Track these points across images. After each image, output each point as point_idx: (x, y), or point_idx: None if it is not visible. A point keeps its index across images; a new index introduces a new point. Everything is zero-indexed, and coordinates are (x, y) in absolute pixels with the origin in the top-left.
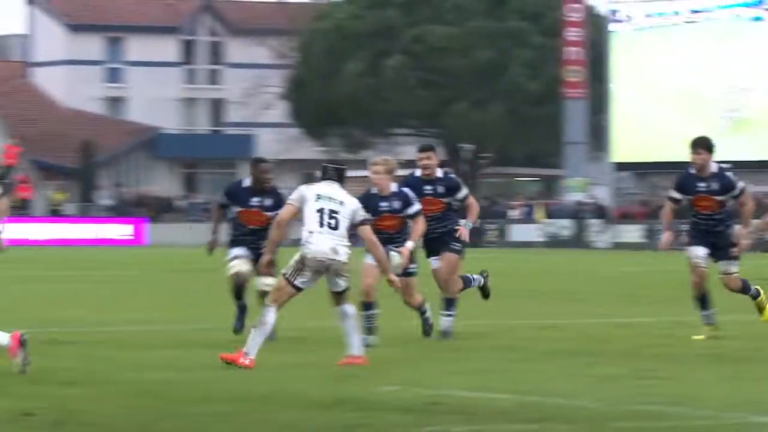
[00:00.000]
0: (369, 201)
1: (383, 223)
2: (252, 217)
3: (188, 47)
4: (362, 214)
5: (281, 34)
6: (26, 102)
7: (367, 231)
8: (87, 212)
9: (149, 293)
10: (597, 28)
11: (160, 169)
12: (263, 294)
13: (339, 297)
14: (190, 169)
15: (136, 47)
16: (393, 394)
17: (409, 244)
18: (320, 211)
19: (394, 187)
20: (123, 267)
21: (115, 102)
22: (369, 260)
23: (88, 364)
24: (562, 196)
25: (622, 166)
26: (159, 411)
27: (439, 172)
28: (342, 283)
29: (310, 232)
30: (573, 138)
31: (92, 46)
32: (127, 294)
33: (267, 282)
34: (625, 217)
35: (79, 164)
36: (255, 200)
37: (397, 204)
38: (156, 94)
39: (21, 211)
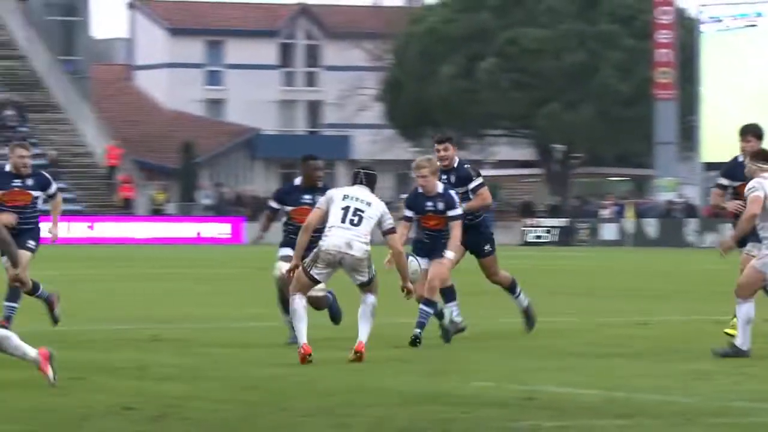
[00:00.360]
0: (416, 200)
1: (428, 222)
2: (304, 214)
3: (286, 50)
4: (390, 222)
5: (377, 37)
6: (129, 104)
7: (394, 239)
8: (188, 212)
9: (247, 291)
10: (687, 30)
11: (258, 169)
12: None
13: (363, 287)
14: (287, 169)
15: (236, 50)
16: (486, 390)
17: (449, 255)
18: (345, 208)
19: (440, 187)
20: (221, 265)
21: (215, 104)
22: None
23: (187, 360)
24: (652, 196)
25: (711, 166)
26: (256, 406)
27: (455, 163)
28: (361, 278)
29: (330, 227)
30: (663, 138)
31: (193, 49)
32: (225, 292)
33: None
34: (716, 217)
35: (180, 164)
36: (306, 197)
37: (441, 205)
38: (254, 96)
39: (124, 210)
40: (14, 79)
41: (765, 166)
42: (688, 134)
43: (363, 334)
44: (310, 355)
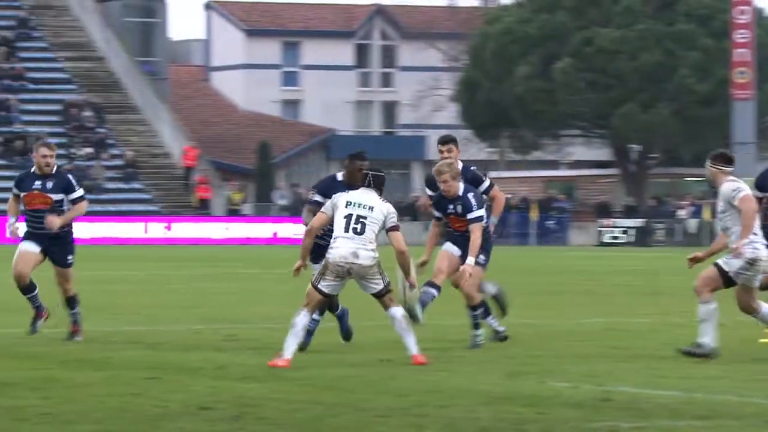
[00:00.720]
0: (440, 201)
1: (454, 224)
2: None
3: (362, 51)
4: (393, 220)
5: (452, 37)
6: (206, 105)
7: (397, 237)
8: (264, 212)
9: None
10: (765, 30)
11: (334, 169)
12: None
13: (381, 300)
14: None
15: (312, 51)
16: (564, 390)
17: (470, 261)
18: (348, 216)
19: (461, 190)
20: None
21: (291, 104)
22: (447, 247)
23: (264, 360)
24: None
25: None
26: (333, 407)
27: (460, 166)
28: (374, 287)
29: (335, 238)
30: (741, 138)
31: (269, 50)
32: (301, 292)
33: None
34: None
35: (257, 165)
36: None
37: (459, 208)
38: (330, 97)
39: (200, 211)
40: (93, 81)
41: (727, 168)
42: (767, 134)
43: (412, 346)
44: (284, 368)
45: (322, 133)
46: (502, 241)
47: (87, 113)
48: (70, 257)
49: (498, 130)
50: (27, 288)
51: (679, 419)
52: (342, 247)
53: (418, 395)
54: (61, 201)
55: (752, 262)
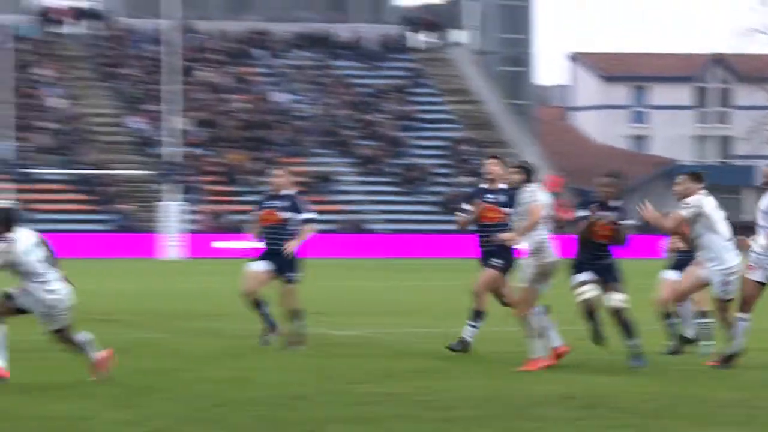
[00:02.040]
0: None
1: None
2: (600, 231)
3: (701, 93)
4: None
5: None
6: (566, 141)
7: None
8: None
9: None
10: None
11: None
12: (615, 311)
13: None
14: None
15: (658, 93)
16: None
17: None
18: None
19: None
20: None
21: (639, 140)
22: (665, 274)
23: (611, 358)
24: None
25: None
26: (680, 398)
27: (502, 184)
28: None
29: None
30: None
31: (621, 93)
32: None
33: (617, 297)
34: None
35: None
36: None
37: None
38: (673, 133)
39: (562, 230)
40: (472, 120)
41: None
42: None
43: (553, 339)
44: (544, 367)
45: (665, 164)
46: None
47: (468, 148)
48: (292, 274)
49: None
50: (255, 304)
51: None
52: (553, 247)
53: (756, 389)
54: (290, 219)
55: None
